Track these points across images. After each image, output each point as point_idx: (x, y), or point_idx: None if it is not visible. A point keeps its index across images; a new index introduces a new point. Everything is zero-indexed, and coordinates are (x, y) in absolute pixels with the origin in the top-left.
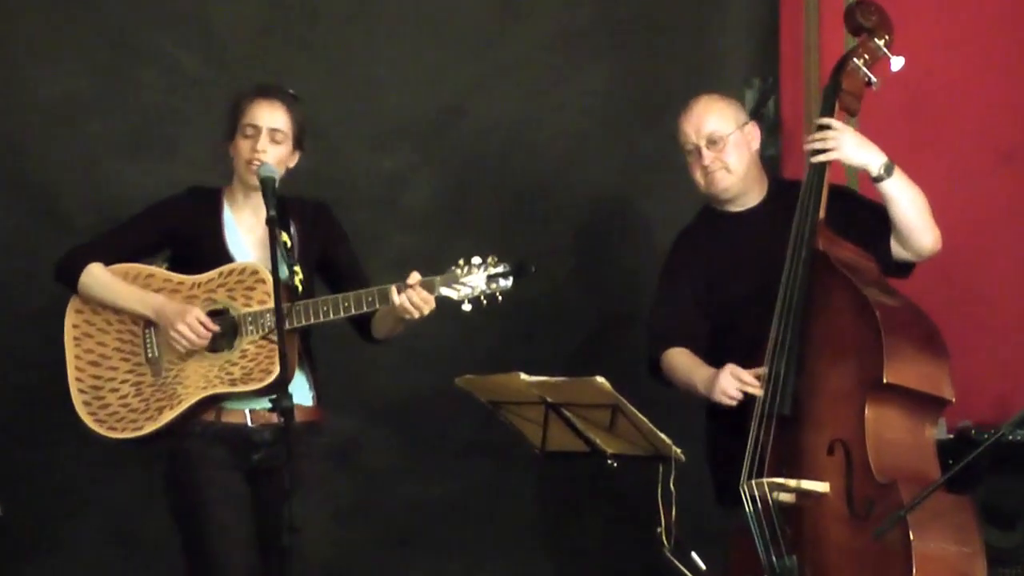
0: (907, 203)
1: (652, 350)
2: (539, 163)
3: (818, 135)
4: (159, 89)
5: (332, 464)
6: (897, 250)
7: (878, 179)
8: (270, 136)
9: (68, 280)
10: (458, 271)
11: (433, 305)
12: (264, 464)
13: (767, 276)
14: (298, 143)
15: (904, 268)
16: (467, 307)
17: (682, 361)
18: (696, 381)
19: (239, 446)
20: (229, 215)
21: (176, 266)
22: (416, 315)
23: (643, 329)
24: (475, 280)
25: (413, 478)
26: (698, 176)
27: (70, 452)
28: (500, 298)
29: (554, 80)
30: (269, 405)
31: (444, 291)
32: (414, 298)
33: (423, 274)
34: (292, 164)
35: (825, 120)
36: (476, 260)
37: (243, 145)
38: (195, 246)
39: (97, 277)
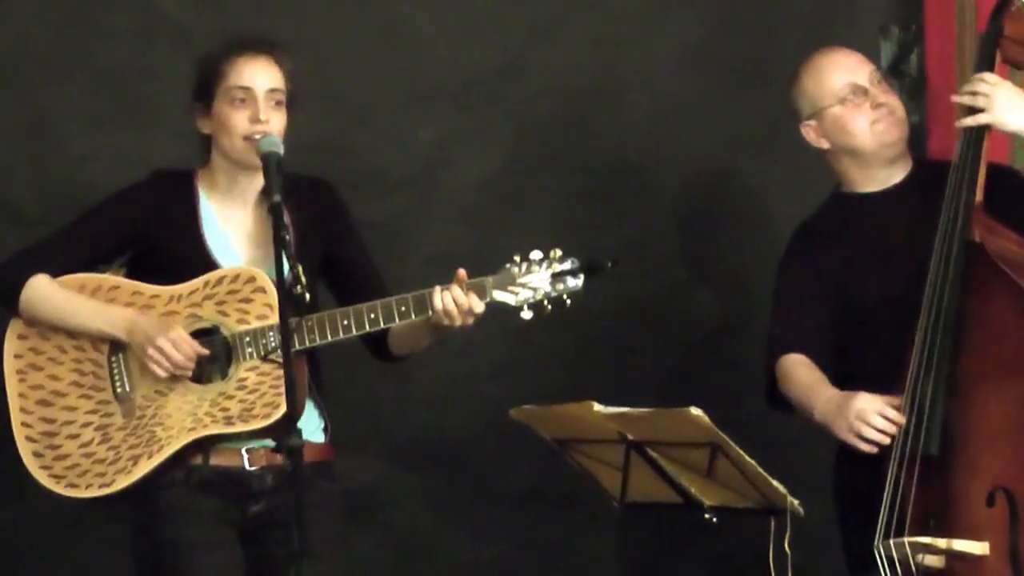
0: None
1: (769, 362)
2: (619, 134)
3: (967, 89)
4: (130, 38)
5: (351, 518)
6: None
7: None
8: (268, 99)
9: (5, 297)
10: (515, 270)
11: (480, 311)
12: (265, 518)
13: (913, 273)
14: (291, 104)
15: None
16: (527, 315)
17: (803, 374)
18: (815, 403)
19: (233, 495)
20: (207, 206)
21: (138, 274)
22: (458, 323)
23: (762, 348)
24: (536, 280)
25: (455, 537)
26: (864, 128)
27: (15, 512)
28: (568, 302)
29: (639, 28)
30: (271, 443)
31: (499, 295)
32: (460, 300)
33: (470, 275)
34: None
35: (980, 74)
36: (536, 255)
37: (233, 116)
38: (165, 248)
39: (44, 292)
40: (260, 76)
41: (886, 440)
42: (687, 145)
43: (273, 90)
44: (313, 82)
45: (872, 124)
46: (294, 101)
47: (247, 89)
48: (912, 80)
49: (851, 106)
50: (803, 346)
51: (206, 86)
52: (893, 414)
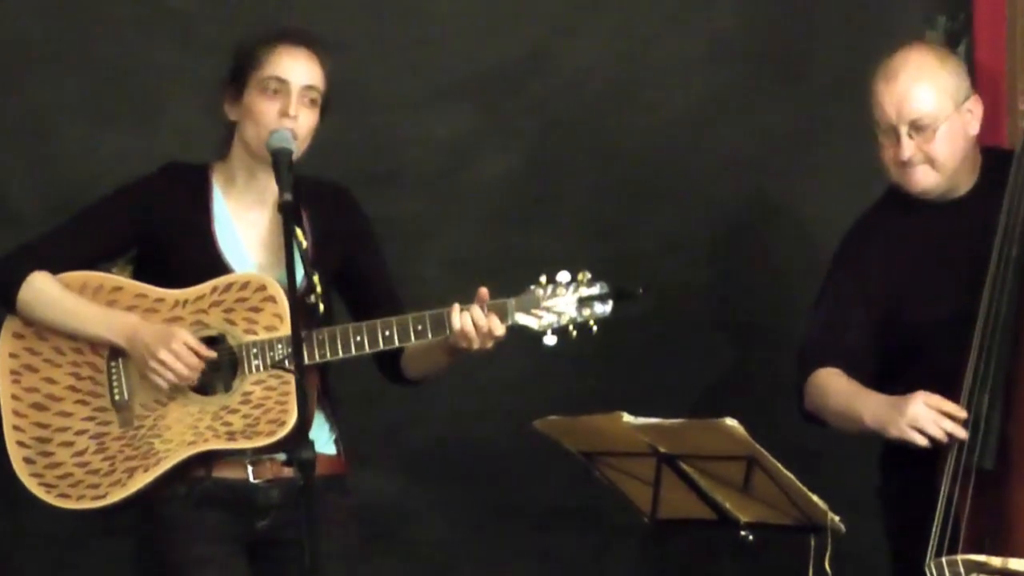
0: None
1: (799, 375)
2: (648, 131)
3: None
4: (131, 31)
5: (365, 534)
6: None
7: None
8: (303, 96)
9: (2, 295)
10: (539, 292)
11: (501, 334)
12: (273, 534)
13: (975, 292)
14: (325, 109)
15: None
16: (550, 340)
17: (839, 384)
18: (863, 408)
19: (239, 510)
20: (222, 204)
21: (145, 275)
22: (475, 345)
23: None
24: (562, 304)
25: (475, 555)
26: (890, 165)
27: (11, 527)
28: (595, 328)
29: (668, 19)
30: (281, 456)
31: (521, 319)
32: (480, 322)
33: (490, 287)
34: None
35: None
36: (563, 277)
37: (263, 106)
38: (174, 246)
39: (43, 291)
40: (298, 69)
41: (944, 436)
42: (720, 143)
43: (309, 87)
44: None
45: (898, 167)
46: (328, 105)
47: (282, 81)
48: None
49: (886, 140)
50: (841, 360)
51: (240, 70)
52: (951, 408)
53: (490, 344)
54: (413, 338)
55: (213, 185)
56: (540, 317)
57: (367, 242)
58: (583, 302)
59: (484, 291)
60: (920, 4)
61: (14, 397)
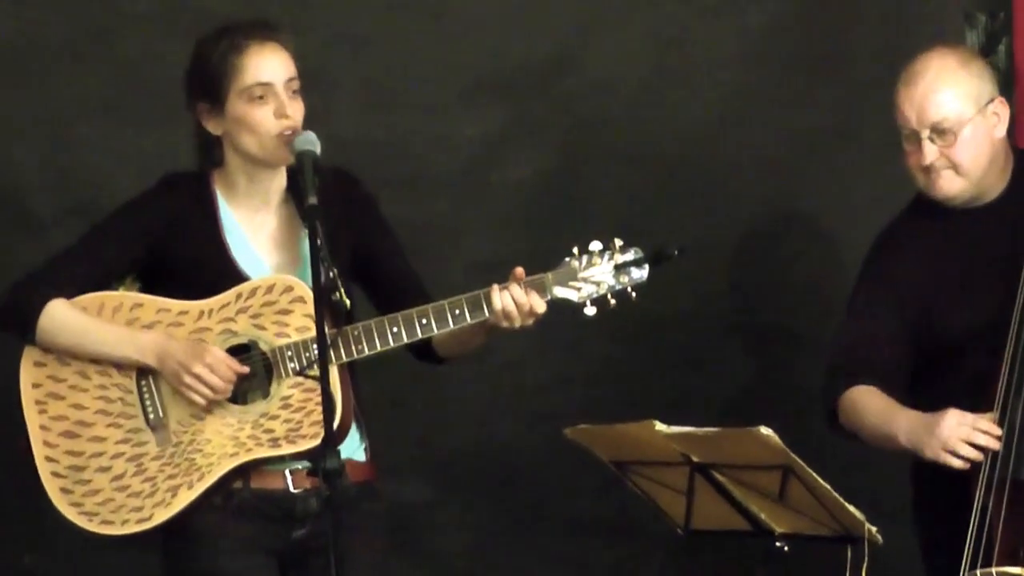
0: None
1: (830, 388)
2: (679, 130)
3: None
4: (154, 29)
5: (392, 543)
6: None
7: None
8: (287, 90)
9: (19, 328)
10: (575, 263)
11: (542, 311)
12: (308, 544)
13: (1009, 299)
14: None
15: None
16: (590, 311)
17: (874, 402)
18: (897, 428)
19: (275, 519)
20: (227, 211)
21: (154, 287)
22: (517, 323)
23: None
24: (599, 273)
25: (503, 565)
26: (915, 171)
27: (33, 539)
28: (634, 296)
29: (698, 19)
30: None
31: (560, 292)
32: (521, 299)
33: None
34: None
35: None
36: (596, 246)
37: (258, 115)
38: (185, 258)
39: (62, 319)
40: (276, 67)
41: (980, 456)
42: (749, 144)
43: (291, 79)
44: (351, 75)
45: (922, 174)
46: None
47: (265, 84)
48: (1000, 72)
49: (909, 146)
50: (875, 375)
51: (216, 85)
52: (985, 426)
53: (531, 322)
54: (452, 324)
55: (216, 193)
56: (579, 289)
57: (379, 226)
58: (619, 269)
59: (520, 270)
60: (960, 3)
61: (43, 428)
